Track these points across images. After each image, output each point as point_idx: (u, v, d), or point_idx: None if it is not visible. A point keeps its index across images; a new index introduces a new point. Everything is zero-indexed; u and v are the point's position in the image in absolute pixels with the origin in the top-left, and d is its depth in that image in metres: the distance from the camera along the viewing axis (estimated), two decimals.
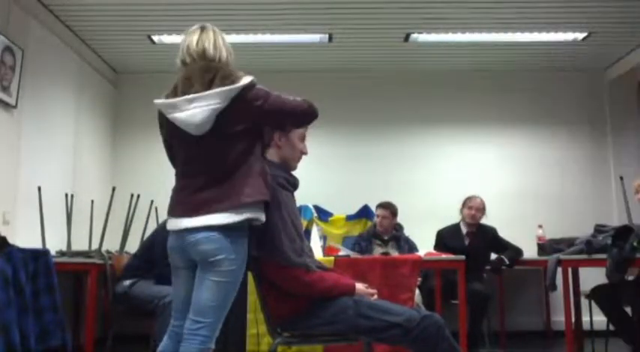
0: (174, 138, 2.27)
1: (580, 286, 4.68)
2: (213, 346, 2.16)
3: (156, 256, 3.59)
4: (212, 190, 2.15)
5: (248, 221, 2.16)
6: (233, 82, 2.15)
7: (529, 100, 6.21)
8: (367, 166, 6.04)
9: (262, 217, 2.21)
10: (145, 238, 4.39)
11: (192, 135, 2.17)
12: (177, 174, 2.30)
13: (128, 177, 5.72)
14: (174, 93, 2.21)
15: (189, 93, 2.16)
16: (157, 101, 2.25)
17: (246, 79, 2.16)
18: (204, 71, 2.20)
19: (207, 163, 2.19)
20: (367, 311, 2.30)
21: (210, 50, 2.26)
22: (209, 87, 2.15)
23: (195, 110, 2.13)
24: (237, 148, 2.17)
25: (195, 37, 2.30)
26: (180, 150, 2.26)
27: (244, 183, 2.15)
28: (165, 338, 2.29)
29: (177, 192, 2.26)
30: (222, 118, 2.14)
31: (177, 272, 2.28)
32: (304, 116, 2.30)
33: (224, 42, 2.32)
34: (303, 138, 2.52)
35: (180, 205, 2.21)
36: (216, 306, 2.14)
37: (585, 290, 4.47)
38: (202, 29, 2.32)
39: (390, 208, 4.95)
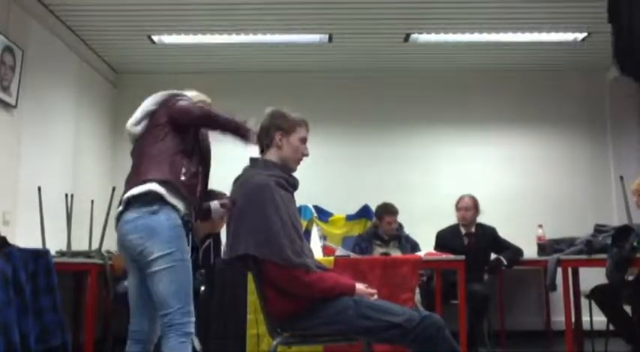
0: None
1: (580, 286, 4.68)
2: (191, 330, 2.20)
3: None
4: (135, 171, 2.40)
5: (155, 195, 2.25)
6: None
7: (529, 100, 6.21)
8: (367, 166, 6.04)
9: (169, 198, 2.28)
10: None
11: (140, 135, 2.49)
12: None
13: None
14: None
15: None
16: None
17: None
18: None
19: (137, 158, 2.47)
20: (367, 312, 2.29)
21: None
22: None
23: (136, 116, 2.55)
24: (151, 142, 2.42)
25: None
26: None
27: (156, 165, 2.34)
28: (128, 342, 2.33)
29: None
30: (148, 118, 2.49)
31: (129, 269, 2.37)
32: (194, 112, 2.46)
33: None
34: (304, 141, 2.52)
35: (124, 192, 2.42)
36: (175, 291, 2.19)
37: (585, 290, 4.47)
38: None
39: (397, 213, 4.94)
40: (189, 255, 2.30)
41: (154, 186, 2.26)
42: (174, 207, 2.27)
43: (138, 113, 2.51)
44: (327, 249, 4.05)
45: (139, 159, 2.41)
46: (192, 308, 2.23)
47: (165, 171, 2.30)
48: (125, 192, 2.34)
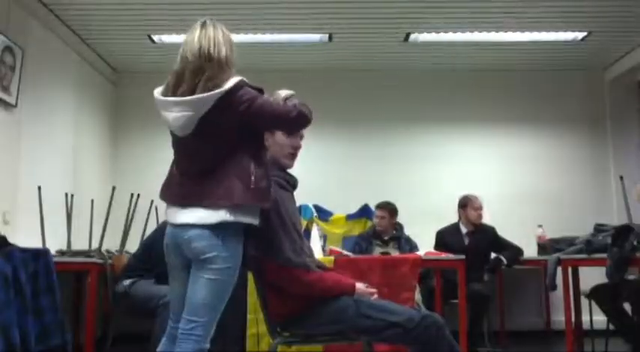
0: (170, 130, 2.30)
1: (580, 286, 4.68)
2: (208, 345, 2.15)
3: (156, 255, 3.59)
4: (194, 186, 2.17)
5: (231, 222, 2.12)
6: (216, 86, 2.14)
7: (529, 100, 6.21)
8: (367, 166, 6.04)
9: (243, 219, 2.15)
10: (145, 238, 4.39)
11: (187, 135, 2.19)
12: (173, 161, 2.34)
13: (128, 177, 5.71)
14: (167, 89, 2.24)
15: (177, 93, 2.18)
16: (155, 95, 2.27)
17: (230, 83, 2.15)
18: (193, 73, 2.19)
19: (191, 160, 2.22)
20: (367, 311, 2.30)
21: (206, 48, 2.23)
22: (194, 91, 2.15)
23: (178, 115, 2.16)
24: (218, 149, 2.18)
25: (195, 34, 2.29)
26: (173, 142, 2.30)
27: (219, 184, 2.14)
28: (163, 339, 2.29)
29: (169, 180, 2.30)
30: (204, 120, 2.14)
31: (174, 272, 2.28)
32: (293, 123, 2.25)
33: (225, 38, 2.30)
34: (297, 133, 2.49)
35: (171, 195, 2.25)
36: (210, 305, 2.14)
37: (585, 290, 4.47)
38: (202, 26, 2.32)
39: (387, 208, 4.94)
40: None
41: (233, 217, 2.15)
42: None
43: (181, 116, 2.17)
44: (332, 251, 4.04)
45: (202, 166, 2.21)
46: (215, 324, 2.17)
47: (232, 192, 2.16)
48: (186, 196, 2.19)
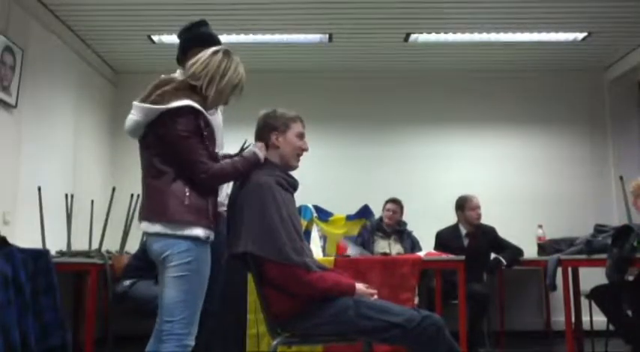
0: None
1: (580, 286, 4.68)
2: (192, 343, 2.18)
3: None
4: (146, 197, 2.30)
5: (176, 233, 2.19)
6: (162, 101, 2.20)
7: (529, 100, 6.21)
8: (367, 166, 6.04)
9: (185, 231, 2.18)
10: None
11: (139, 139, 2.32)
12: None
13: (128, 177, 5.69)
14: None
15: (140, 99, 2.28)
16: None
17: (174, 104, 2.19)
18: (156, 86, 2.29)
19: (144, 168, 2.33)
20: (367, 312, 2.29)
21: (197, 70, 2.32)
22: (145, 99, 2.25)
23: (130, 116, 2.27)
24: (156, 161, 2.24)
25: (202, 56, 2.38)
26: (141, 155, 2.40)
27: (159, 199, 2.21)
28: (151, 339, 2.32)
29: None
30: (150, 130, 2.25)
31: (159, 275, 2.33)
32: (197, 179, 2.23)
33: (223, 71, 2.34)
34: (301, 136, 2.52)
35: (141, 206, 2.36)
36: (183, 301, 2.16)
37: (585, 290, 4.47)
38: (214, 53, 2.38)
39: (399, 204, 5.10)
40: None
41: (177, 231, 2.25)
42: None
43: (130, 117, 2.30)
44: (339, 247, 4.04)
45: (148, 175, 2.35)
46: (196, 320, 2.21)
47: (168, 209, 2.27)
48: (141, 208, 2.35)
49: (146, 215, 2.24)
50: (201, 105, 2.24)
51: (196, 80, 2.30)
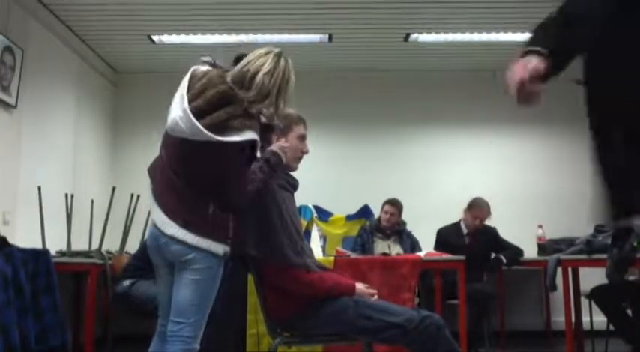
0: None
1: (580, 286, 4.68)
2: (197, 346, 2.16)
3: None
4: (183, 202, 2.15)
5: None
6: (224, 129, 2.05)
7: None
8: (367, 166, 6.04)
9: (202, 245, 2.13)
10: (145, 238, 4.38)
11: (180, 137, 2.12)
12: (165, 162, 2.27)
13: (128, 177, 5.70)
14: (190, 86, 2.17)
15: (191, 101, 2.10)
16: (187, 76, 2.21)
17: (233, 138, 2.05)
18: (218, 97, 2.10)
19: (179, 164, 2.17)
20: (367, 312, 2.30)
21: (257, 78, 2.15)
22: (206, 112, 2.06)
23: (175, 118, 2.08)
24: (193, 173, 2.15)
25: (264, 60, 2.21)
26: (170, 138, 2.21)
27: (188, 207, 2.14)
28: (154, 338, 2.30)
29: (158, 164, 2.27)
30: (193, 143, 2.08)
31: (159, 271, 2.30)
32: (232, 208, 2.18)
33: (282, 78, 2.19)
34: (303, 138, 2.52)
35: (157, 189, 2.23)
36: (196, 305, 2.15)
37: (585, 290, 4.47)
38: (277, 57, 2.24)
39: (397, 205, 5.03)
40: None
41: (210, 248, 2.18)
42: None
43: (185, 122, 2.07)
44: (339, 253, 4.04)
45: (193, 183, 2.19)
46: (203, 324, 2.18)
47: (213, 229, 2.20)
48: (172, 208, 2.19)
49: (174, 217, 2.14)
50: (255, 128, 2.12)
51: (261, 92, 2.14)
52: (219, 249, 2.14)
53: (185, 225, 2.12)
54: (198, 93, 2.12)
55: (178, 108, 2.09)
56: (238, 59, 2.28)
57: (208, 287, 2.16)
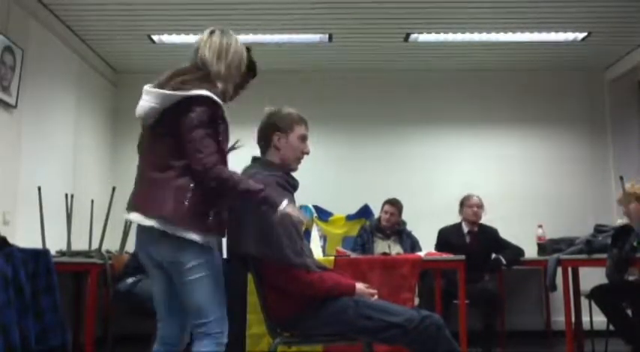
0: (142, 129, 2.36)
1: (580, 286, 4.68)
2: (226, 340, 2.16)
3: None
4: (144, 188, 2.20)
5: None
6: (183, 89, 2.15)
7: (529, 100, 6.21)
8: (367, 166, 6.04)
9: (177, 233, 2.10)
10: None
11: (147, 126, 2.26)
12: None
13: (128, 177, 5.64)
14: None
15: (155, 85, 2.23)
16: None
17: (194, 92, 2.14)
18: (175, 73, 2.23)
19: (146, 158, 2.26)
20: (367, 312, 2.30)
21: (203, 54, 2.27)
22: (162, 86, 2.20)
23: (143, 103, 2.22)
24: (164, 152, 2.18)
25: (202, 39, 2.32)
26: (142, 141, 2.34)
27: (160, 194, 2.13)
28: (155, 345, 2.26)
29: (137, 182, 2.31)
30: (163, 117, 2.19)
31: (150, 271, 2.28)
32: (199, 172, 2.12)
33: (227, 46, 2.30)
34: (304, 138, 2.51)
35: (131, 195, 2.27)
36: (212, 301, 2.13)
37: (585, 290, 4.47)
38: (211, 33, 2.33)
39: (397, 205, 5.06)
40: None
41: (177, 232, 2.17)
42: None
43: (142, 104, 2.25)
44: (339, 253, 4.04)
45: (153, 166, 2.24)
46: (226, 316, 2.18)
47: (171, 205, 2.18)
48: (140, 199, 2.24)
49: (141, 207, 2.15)
50: (219, 97, 2.19)
51: (205, 62, 2.26)
52: (195, 237, 2.10)
53: (153, 211, 2.12)
54: (160, 82, 2.25)
55: (142, 98, 2.25)
56: None
57: (211, 281, 2.14)
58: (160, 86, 2.21)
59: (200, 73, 2.24)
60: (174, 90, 2.16)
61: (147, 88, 2.23)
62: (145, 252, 2.22)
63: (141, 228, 2.17)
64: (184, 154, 2.13)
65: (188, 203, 2.11)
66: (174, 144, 2.16)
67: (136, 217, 2.16)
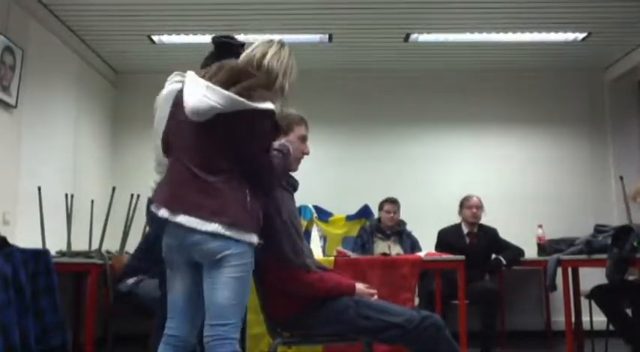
0: (178, 118, 2.17)
1: (580, 286, 4.68)
2: (239, 349, 2.09)
3: (159, 254, 3.57)
4: (193, 191, 2.07)
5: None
6: (250, 97, 2.03)
7: (529, 100, 6.21)
8: (367, 166, 6.04)
9: (243, 237, 2.06)
10: (144, 238, 4.36)
11: (192, 121, 2.07)
12: (171, 158, 2.22)
13: (128, 177, 5.70)
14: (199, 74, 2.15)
15: (211, 81, 2.07)
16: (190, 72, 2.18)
17: (262, 105, 2.04)
18: (237, 72, 2.11)
19: (189, 157, 2.10)
20: (367, 312, 2.30)
21: (271, 64, 2.22)
22: (227, 87, 2.04)
23: (201, 98, 2.02)
24: (217, 154, 2.08)
25: (268, 46, 2.29)
26: (180, 134, 2.15)
27: (219, 199, 2.05)
28: (161, 347, 2.18)
29: (169, 176, 2.18)
30: (217, 118, 2.03)
31: (178, 272, 2.18)
32: (263, 185, 2.16)
33: (292, 65, 2.31)
34: (304, 139, 2.51)
35: (172, 196, 2.11)
36: (237, 304, 2.07)
37: (585, 290, 4.47)
38: (281, 46, 2.34)
39: (397, 203, 5.09)
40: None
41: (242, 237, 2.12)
42: None
43: (199, 100, 2.03)
44: (339, 253, 4.05)
45: (210, 168, 2.10)
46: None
47: (242, 214, 2.14)
48: (193, 203, 2.09)
49: (195, 211, 2.03)
50: (274, 102, 2.13)
51: (270, 72, 2.19)
52: (255, 239, 2.09)
53: (215, 215, 2.02)
54: (212, 76, 2.10)
55: (198, 92, 2.03)
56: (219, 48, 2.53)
57: (246, 284, 2.10)
58: (214, 81, 2.06)
59: (262, 80, 2.14)
60: (239, 94, 2.02)
61: (207, 83, 2.05)
62: (183, 252, 2.11)
63: (185, 230, 2.05)
64: (235, 157, 2.08)
65: (249, 207, 2.08)
66: (226, 146, 2.08)
67: (192, 221, 2.03)
